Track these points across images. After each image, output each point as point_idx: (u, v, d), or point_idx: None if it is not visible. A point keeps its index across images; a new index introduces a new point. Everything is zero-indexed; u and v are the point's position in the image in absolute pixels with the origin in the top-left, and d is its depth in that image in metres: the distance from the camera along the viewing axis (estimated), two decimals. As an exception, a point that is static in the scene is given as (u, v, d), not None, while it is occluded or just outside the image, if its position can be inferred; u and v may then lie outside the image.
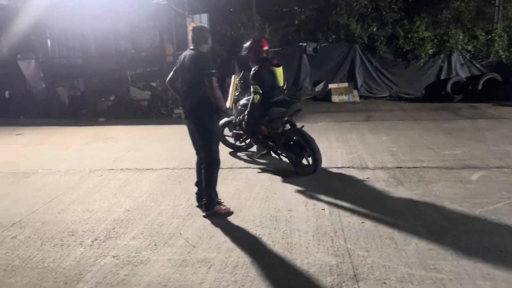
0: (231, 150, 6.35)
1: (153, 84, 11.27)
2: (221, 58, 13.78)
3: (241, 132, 5.86)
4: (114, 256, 3.20)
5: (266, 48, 5.26)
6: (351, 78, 13.12)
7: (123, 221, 3.88)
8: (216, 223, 3.76)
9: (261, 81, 5.07)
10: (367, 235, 3.43)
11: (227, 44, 13.63)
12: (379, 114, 9.93)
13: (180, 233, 3.58)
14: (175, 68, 4.09)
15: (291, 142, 5.20)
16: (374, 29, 12.85)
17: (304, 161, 5.15)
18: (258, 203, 4.22)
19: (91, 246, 3.39)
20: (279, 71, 5.27)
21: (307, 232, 3.52)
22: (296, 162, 5.20)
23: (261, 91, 5.05)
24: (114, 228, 3.73)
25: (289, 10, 19.02)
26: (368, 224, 3.65)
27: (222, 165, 5.62)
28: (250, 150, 6.29)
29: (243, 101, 5.75)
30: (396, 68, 13.16)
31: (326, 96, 12.71)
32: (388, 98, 12.91)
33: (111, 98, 11.17)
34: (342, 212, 3.92)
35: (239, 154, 6.29)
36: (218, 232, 3.59)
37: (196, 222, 3.82)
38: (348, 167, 5.42)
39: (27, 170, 5.69)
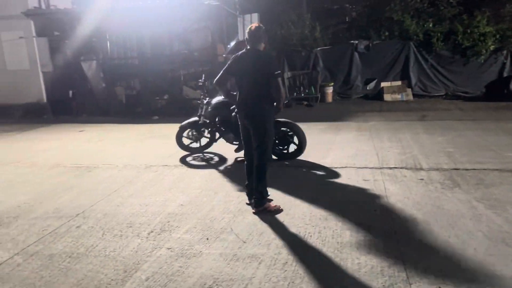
0: (186, 152, 6.45)
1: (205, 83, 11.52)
2: (271, 57, 13.83)
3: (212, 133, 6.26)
4: (168, 248, 3.34)
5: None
6: (404, 76, 12.68)
7: (177, 215, 4.04)
8: (265, 220, 3.82)
9: None
10: (421, 237, 3.33)
11: (277, 42, 13.65)
12: (434, 114, 9.53)
13: (231, 229, 3.67)
14: (226, 68, 4.09)
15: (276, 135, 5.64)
16: (430, 25, 12.32)
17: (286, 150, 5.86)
18: (307, 202, 4.22)
19: (147, 238, 3.56)
20: None
21: (358, 232, 3.48)
22: (280, 152, 5.81)
23: None
24: (169, 221, 3.89)
25: (339, 7, 18.70)
26: (422, 226, 3.54)
27: (271, 163, 5.69)
28: (206, 151, 6.43)
29: (215, 101, 6.04)
30: (453, 66, 12.54)
31: (378, 95, 12.40)
32: (444, 97, 12.34)
33: (165, 97, 11.60)
34: (394, 214, 3.83)
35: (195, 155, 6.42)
36: (267, 229, 3.63)
37: (247, 218, 3.89)
38: (401, 168, 5.27)
39: (89, 165, 6.06)
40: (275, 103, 4.01)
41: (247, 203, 4.20)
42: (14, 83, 11.70)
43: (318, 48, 13.14)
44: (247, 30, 3.99)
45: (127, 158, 6.37)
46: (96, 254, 3.29)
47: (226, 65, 4.11)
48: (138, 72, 12.31)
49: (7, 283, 2.91)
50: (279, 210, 4.00)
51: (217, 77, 4.15)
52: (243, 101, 4.05)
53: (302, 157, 5.97)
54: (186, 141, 6.41)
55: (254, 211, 4.00)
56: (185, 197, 4.53)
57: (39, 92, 11.94)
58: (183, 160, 6.09)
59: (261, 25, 4.00)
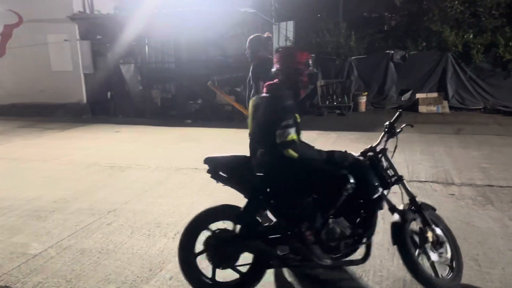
0: None
1: (238, 89, 11.69)
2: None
3: None
4: (193, 250, 3.43)
5: None
6: (441, 88, 12.38)
7: (203, 217, 4.12)
8: (290, 228, 3.84)
9: None
10: (448, 254, 3.26)
11: (312, 50, 13.65)
12: (471, 127, 9.25)
13: (255, 234, 3.71)
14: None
15: None
16: (471, 36, 11.98)
17: None
18: (333, 212, 4.21)
19: (173, 238, 3.67)
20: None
21: (382, 245, 3.44)
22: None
23: None
24: (195, 223, 3.98)
25: (378, 16, 18.49)
26: (449, 242, 3.46)
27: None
28: None
29: None
30: (493, 79, 12.12)
31: (412, 106, 12.16)
32: (482, 110, 11.94)
33: (199, 102, 11.84)
34: (421, 228, 3.76)
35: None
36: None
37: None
38: (431, 182, 5.16)
39: (123, 165, 6.28)
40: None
41: None
42: (57, 83, 12.26)
43: (353, 57, 13.05)
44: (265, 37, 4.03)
45: (159, 160, 6.56)
46: (124, 251, 3.42)
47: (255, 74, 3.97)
48: (174, 76, 12.64)
49: (40, 274, 3.08)
50: None
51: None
52: None
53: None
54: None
55: None
56: (212, 200, 4.58)
57: (80, 93, 12.46)
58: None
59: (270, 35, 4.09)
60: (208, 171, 2.75)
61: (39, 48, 12.25)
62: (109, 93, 12.42)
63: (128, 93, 12.06)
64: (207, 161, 2.75)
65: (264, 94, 2.76)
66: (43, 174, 5.89)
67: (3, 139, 8.78)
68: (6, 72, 12.84)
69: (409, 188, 2.84)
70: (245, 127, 4.24)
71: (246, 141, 4.29)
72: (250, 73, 3.99)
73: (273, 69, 2.90)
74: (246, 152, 4.32)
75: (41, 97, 12.34)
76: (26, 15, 12.25)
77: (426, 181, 5.18)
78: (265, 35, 4.06)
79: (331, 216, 2.60)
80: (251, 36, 4.06)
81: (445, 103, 12.00)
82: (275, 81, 2.77)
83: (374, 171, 2.70)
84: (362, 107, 12.40)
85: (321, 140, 7.96)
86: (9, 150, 7.61)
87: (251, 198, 2.68)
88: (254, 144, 2.96)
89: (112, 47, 11.88)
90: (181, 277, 2.98)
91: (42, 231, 3.88)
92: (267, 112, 2.66)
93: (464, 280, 2.87)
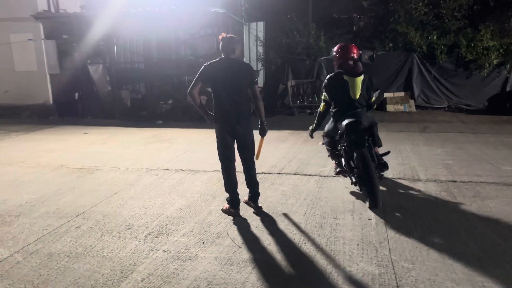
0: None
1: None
2: (275, 65, 13.95)
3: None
4: (165, 251, 3.41)
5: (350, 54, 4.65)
6: (408, 87, 12.76)
7: (175, 218, 4.11)
8: (261, 226, 3.88)
9: (328, 90, 4.84)
10: (414, 247, 3.38)
11: (282, 51, 13.77)
12: (436, 126, 9.58)
13: (227, 233, 3.73)
14: (201, 77, 4.02)
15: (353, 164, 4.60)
16: (435, 38, 12.40)
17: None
18: (304, 209, 4.29)
19: (145, 240, 3.63)
20: (354, 81, 4.57)
21: (352, 240, 3.53)
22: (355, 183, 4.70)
23: (328, 100, 4.93)
24: (167, 224, 3.96)
25: (347, 17, 18.82)
26: (415, 236, 3.59)
27: (271, 170, 5.77)
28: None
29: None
30: (456, 78, 12.61)
31: (380, 105, 12.44)
32: (446, 109, 12.40)
33: (170, 102, 11.70)
34: (389, 223, 3.88)
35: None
36: (263, 235, 3.70)
37: (243, 223, 3.96)
38: (398, 178, 5.32)
39: (92, 167, 6.16)
40: (259, 116, 4.09)
41: (232, 212, 4.17)
42: (21, 84, 11.86)
43: (323, 57, 13.24)
44: (221, 39, 4.00)
45: (130, 161, 6.46)
46: (94, 255, 3.37)
47: (198, 74, 4.02)
48: (143, 76, 12.45)
49: (6, 280, 2.99)
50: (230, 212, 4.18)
51: (192, 88, 4.02)
52: (227, 112, 4.02)
53: (302, 165, 6.05)
54: None
55: (260, 206, 4.27)
56: (184, 201, 4.60)
57: (46, 93, 12.09)
58: (184, 165, 6.17)
59: (230, 35, 4.04)
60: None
61: (1, 48, 11.81)
62: (76, 94, 12.12)
63: (97, 94, 11.80)
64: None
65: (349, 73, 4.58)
66: (8, 178, 5.70)
67: (-37, 142, 8.43)
68: (-34, 73, 12.30)
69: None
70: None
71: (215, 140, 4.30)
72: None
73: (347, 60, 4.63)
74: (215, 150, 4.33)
75: (4, 98, 11.91)
76: (-13, 13, 11.78)
77: (393, 178, 5.33)
78: (220, 36, 4.04)
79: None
80: (229, 36, 4.02)
81: (412, 102, 12.38)
82: (357, 65, 4.65)
83: None
84: (332, 107, 12.59)
85: (292, 139, 8.06)
86: (-29, 154, 7.32)
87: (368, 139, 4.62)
88: (356, 106, 4.65)
89: (79, 47, 11.58)
90: (153, 278, 2.97)
91: (8, 236, 3.76)
92: (369, 84, 4.72)
93: (428, 271, 2.99)
